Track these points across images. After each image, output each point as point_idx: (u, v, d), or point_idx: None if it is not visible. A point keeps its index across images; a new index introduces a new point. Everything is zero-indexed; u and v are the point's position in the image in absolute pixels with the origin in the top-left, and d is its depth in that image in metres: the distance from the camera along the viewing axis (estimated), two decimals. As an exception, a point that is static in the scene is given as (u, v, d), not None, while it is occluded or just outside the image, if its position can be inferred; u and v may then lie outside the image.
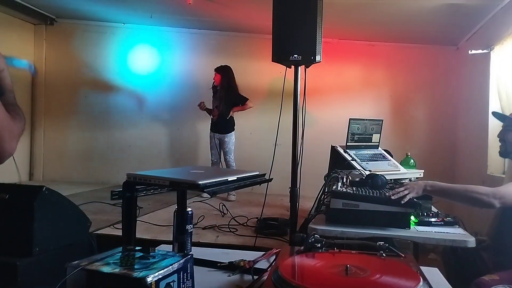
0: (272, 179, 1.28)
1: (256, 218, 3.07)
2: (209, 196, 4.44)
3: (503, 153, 2.13)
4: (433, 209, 2.62)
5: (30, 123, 5.87)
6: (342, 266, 0.96)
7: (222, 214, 3.53)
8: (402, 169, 3.07)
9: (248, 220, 3.26)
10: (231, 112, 4.60)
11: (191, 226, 1.45)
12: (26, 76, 5.79)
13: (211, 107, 4.69)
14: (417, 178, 3.11)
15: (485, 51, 3.50)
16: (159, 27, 5.53)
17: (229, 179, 1.09)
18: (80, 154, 5.80)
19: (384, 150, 3.39)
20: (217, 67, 4.62)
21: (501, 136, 2.11)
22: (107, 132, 5.76)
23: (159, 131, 5.70)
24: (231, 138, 4.68)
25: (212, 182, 1.01)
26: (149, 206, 3.81)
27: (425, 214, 2.28)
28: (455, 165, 4.85)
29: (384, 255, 1.13)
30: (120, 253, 1.02)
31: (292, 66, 2.35)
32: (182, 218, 1.35)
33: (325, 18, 4.20)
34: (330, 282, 0.89)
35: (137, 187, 1.20)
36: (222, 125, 4.63)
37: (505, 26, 3.17)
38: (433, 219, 2.22)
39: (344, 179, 2.49)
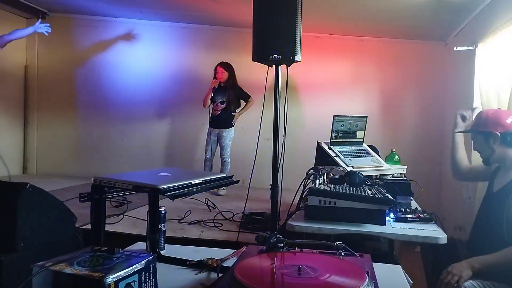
0: (238, 181, 1.33)
1: (242, 213, 3.13)
2: (223, 193, 4.54)
3: (486, 162, 2.17)
4: (414, 205, 2.69)
5: (23, 117, 5.92)
6: (296, 266, 1.01)
7: (209, 209, 3.59)
8: (385, 165, 3.13)
9: (234, 215, 3.32)
10: (237, 116, 4.72)
11: (164, 225, 1.50)
12: (19, 70, 5.81)
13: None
14: (400, 174, 3.16)
15: (470, 48, 3.53)
16: (150, 21, 5.54)
17: (193, 182, 1.13)
18: (73, 147, 5.84)
19: (370, 146, 3.44)
20: (223, 64, 4.65)
21: (476, 148, 2.19)
22: (100, 126, 5.80)
23: (151, 125, 5.74)
24: (229, 134, 4.74)
25: (174, 186, 1.06)
26: (139, 200, 3.85)
27: (403, 210, 2.34)
28: (442, 160, 4.91)
29: (343, 254, 1.19)
30: (88, 254, 1.08)
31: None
32: (154, 218, 1.40)
33: (315, 13, 4.25)
34: (278, 282, 0.94)
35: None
36: (223, 119, 4.70)
37: (489, 24, 3.20)
38: (409, 216, 2.27)
39: (325, 175, 2.55)
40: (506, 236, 1.89)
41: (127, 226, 2.90)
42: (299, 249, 1.23)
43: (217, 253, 1.46)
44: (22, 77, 5.85)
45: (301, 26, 2.22)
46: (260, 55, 2.28)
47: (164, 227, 1.49)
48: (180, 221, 3.13)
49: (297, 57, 2.23)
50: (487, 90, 2.97)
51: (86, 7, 5.32)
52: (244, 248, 1.46)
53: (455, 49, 3.65)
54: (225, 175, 1.30)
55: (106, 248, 1.09)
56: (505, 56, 2.72)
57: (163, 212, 1.47)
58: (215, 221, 3.11)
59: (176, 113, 5.67)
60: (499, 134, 2.03)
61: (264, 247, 1.21)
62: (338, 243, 1.19)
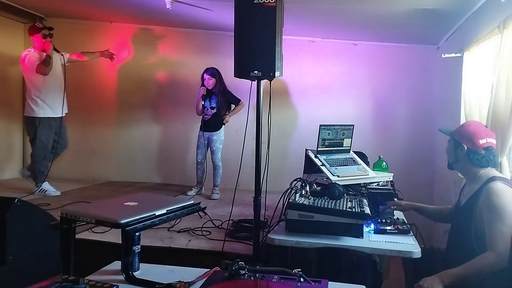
0: (205, 207, 1.38)
1: (229, 220, 3.18)
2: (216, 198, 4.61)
3: (450, 166, 2.30)
4: (397, 214, 2.73)
5: (22, 120, 5.98)
6: (251, 296, 1.07)
7: (200, 215, 3.64)
8: (371, 173, 3.17)
9: (222, 222, 3.36)
10: (227, 119, 4.74)
11: (138, 246, 1.56)
12: (18, 74, 5.88)
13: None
14: (386, 181, 3.20)
15: (458, 54, 3.55)
16: (145, 26, 5.59)
17: (156, 214, 1.19)
18: (70, 151, 5.90)
19: (359, 152, 3.48)
20: (210, 71, 4.65)
21: (446, 150, 2.28)
22: (95, 129, 5.87)
23: (147, 128, 5.81)
24: (220, 136, 4.78)
25: (135, 219, 1.11)
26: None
27: (383, 221, 2.38)
28: (432, 165, 4.94)
29: (302, 280, 1.25)
30: (56, 284, 1.14)
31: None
32: (126, 242, 1.45)
33: (308, 18, 4.27)
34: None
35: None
36: (213, 123, 4.74)
37: (474, 33, 3.22)
38: (388, 227, 2.31)
39: (307, 187, 2.60)
40: (475, 246, 1.95)
41: (116, 236, 2.95)
42: (262, 275, 1.28)
43: (190, 273, 1.51)
44: (21, 81, 5.92)
45: (281, 43, 2.26)
46: (242, 72, 2.34)
47: (138, 249, 1.55)
48: (170, 229, 3.18)
49: (277, 73, 2.28)
50: (470, 100, 3.00)
51: (82, 12, 5.37)
52: (214, 269, 1.52)
53: (442, 56, 3.67)
54: (192, 202, 1.35)
55: (73, 278, 1.15)
56: (486, 67, 2.75)
57: (136, 234, 1.53)
58: (203, 230, 3.16)
59: (172, 116, 5.73)
60: (466, 149, 2.08)
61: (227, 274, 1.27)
62: (296, 270, 1.25)
